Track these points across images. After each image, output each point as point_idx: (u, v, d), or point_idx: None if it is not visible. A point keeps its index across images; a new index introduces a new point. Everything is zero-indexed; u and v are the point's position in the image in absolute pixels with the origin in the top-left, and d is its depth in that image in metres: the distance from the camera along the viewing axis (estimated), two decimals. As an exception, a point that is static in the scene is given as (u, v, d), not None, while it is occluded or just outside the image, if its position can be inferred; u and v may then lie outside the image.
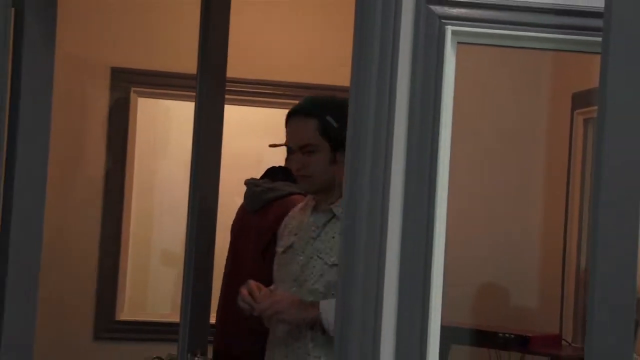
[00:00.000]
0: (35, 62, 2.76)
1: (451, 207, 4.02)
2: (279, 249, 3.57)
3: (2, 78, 2.61)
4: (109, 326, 4.93)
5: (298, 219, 3.61)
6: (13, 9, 2.65)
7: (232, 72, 4.36)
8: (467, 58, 2.96)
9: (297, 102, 4.82)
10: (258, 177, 4.34)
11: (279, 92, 4.97)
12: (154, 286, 5.15)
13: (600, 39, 2.58)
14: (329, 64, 4.17)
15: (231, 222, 4.48)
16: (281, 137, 3.98)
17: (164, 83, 4.85)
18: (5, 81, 2.65)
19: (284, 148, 4.07)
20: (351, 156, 2.67)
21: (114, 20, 4.83)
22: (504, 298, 4.50)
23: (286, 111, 4.09)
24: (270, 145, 4.19)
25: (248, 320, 3.73)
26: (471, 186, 4.30)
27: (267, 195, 4.06)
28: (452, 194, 4.01)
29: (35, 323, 2.93)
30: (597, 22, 2.66)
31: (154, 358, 3.50)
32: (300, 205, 3.69)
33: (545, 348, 4.00)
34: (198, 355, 3.34)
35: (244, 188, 4.38)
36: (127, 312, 5.06)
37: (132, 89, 4.99)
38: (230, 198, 4.45)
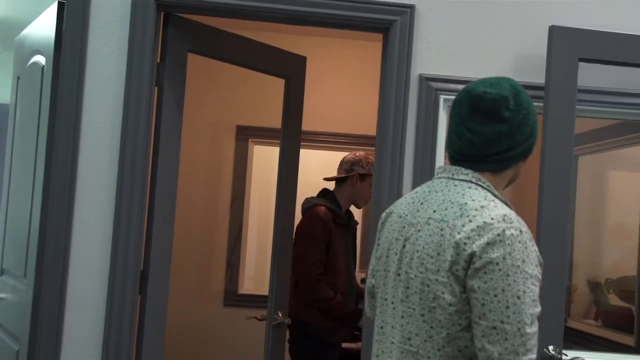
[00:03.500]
0: (170, 122, 2.86)
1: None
2: None
3: (147, 134, 2.70)
4: (233, 297, 5.00)
5: None
6: (157, 87, 2.78)
7: (310, 126, 4.41)
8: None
9: (357, 148, 4.78)
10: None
11: (343, 141, 4.98)
12: (261, 271, 5.15)
13: (542, 104, 2.64)
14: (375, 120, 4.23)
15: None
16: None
17: (269, 135, 4.88)
18: (149, 136, 2.74)
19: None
20: (376, 180, 2.75)
21: (237, 95, 4.96)
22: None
23: (345, 154, 4.10)
24: (324, 179, 4.16)
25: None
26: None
27: (303, 205, 3.96)
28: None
29: (167, 298, 2.89)
30: (541, 93, 2.71)
31: (252, 317, 3.49)
32: None
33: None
34: (279, 315, 3.36)
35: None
36: (245, 288, 5.10)
37: (250, 139, 5.05)
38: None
